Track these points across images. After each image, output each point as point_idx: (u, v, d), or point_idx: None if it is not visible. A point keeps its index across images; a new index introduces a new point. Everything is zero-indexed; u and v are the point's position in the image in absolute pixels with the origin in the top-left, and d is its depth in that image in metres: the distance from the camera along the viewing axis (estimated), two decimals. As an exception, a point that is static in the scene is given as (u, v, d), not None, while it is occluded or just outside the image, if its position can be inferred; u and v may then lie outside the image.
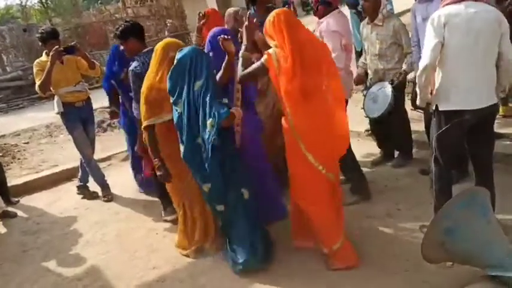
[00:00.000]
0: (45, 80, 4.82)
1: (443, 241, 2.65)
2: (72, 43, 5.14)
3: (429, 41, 3.08)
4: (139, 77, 3.88)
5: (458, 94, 3.09)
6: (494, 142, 3.38)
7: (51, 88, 5.02)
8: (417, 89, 3.28)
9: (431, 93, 3.26)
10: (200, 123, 3.21)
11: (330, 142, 3.20)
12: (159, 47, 3.60)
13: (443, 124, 3.20)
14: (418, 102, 3.36)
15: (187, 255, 3.78)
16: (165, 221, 4.45)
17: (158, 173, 3.61)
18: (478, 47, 3.01)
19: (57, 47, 4.75)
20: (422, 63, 3.12)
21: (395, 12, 4.54)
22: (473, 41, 3.00)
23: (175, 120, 3.34)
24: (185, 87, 3.25)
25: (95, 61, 5.24)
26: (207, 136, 3.17)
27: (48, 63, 4.76)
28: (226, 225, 3.53)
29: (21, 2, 22.82)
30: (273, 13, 3.21)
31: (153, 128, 3.58)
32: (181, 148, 3.35)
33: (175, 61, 3.31)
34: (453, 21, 3.00)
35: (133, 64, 3.98)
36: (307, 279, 3.24)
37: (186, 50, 3.33)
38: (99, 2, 19.81)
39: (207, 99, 3.16)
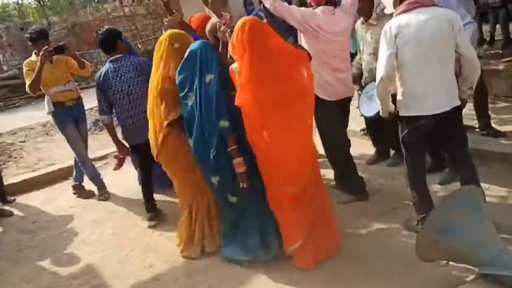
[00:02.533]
0: (35, 80, 4.84)
1: (437, 240, 2.66)
2: (61, 43, 5.13)
3: (383, 53, 3.21)
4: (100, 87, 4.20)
5: (414, 101, 3.23)
6: (466, 138, 3.45)
7: (41, 88, 5.03)
8: (378, 100, 3.41)
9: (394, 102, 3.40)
10: (212, 117, 3.20)
11: (293, 156, 3.13)
12: (162, 39, 3.57)
13: (404, 128, 3.36)
14: (381, 112, 3.50)
15: (187, 257, 3.74)
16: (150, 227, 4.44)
17: None
18: (430, 55, 3.10)
19: (46, 47, 4.76)
20: (378, 76, 3.23)
21: (389, 12, 4.54)
22: (426, 49, 3.09)
23: (185, 114, 3.33)
24: (196, 80, 3.23)
25: (84, 61, 5.25)
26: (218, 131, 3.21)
27: (38, 63, 4.77)
28: (236, 217, 3.51)
29: (18, 0, 22.77)
30: (239, 22, 3.09)
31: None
32: (190, 142, 3.35)
33: (186, 54, 3.30)
34: (403, 32, 3.11)
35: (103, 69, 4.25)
36: (302, 276, 3.24)
37: (197, 43, 3.33)
38: (96, 0, 19.77)
39: (221, 96, 3.17)
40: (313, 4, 3.99)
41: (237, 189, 3.32)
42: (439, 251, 2.74)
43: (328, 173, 4.50)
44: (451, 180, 4.11)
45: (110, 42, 4.24)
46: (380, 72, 3.21)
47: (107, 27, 4.58)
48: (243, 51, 3.02)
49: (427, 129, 3.29)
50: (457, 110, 3.30)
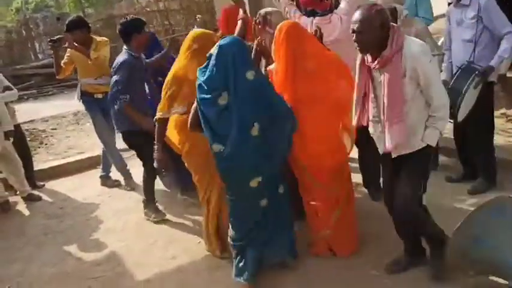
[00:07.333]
0: (55, 65, 5.21)
1: (468, 249, 2.59)
2: (58, 36, 5.09)
3: None
4: None
5: None
6: None
7: (78, 76, 5.26)
8: None
9: None
10: (259, 113, 2.98)
11: (324, 155, 3.22)
12: (187, 38, 3.54)
13: None
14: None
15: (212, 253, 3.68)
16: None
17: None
18: None
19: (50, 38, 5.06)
20: None
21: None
22: None
23: (216, 115, 2.97)
24: (234, 77, 2.93)
25: (94, 53, 5.10)
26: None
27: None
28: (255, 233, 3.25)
29: (56, -8, 23.27)
30: (279, 26, 3.29)
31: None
32: (216, 147, 3.00)
33: (216, 50, 2.97)
34: None
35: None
36: (324, 281, 3.21)
37: (228, 39, 3.04)
38: (131, -6, 20.04)
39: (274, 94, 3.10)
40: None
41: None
42: (470, 261, 2.66)
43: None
44: (483, 190, 3.99)
45: (125, 34, 4.29)
46: None
47: (131, 16, 4.61)
48: (279, 53, 3.23)
49: None
50: None
